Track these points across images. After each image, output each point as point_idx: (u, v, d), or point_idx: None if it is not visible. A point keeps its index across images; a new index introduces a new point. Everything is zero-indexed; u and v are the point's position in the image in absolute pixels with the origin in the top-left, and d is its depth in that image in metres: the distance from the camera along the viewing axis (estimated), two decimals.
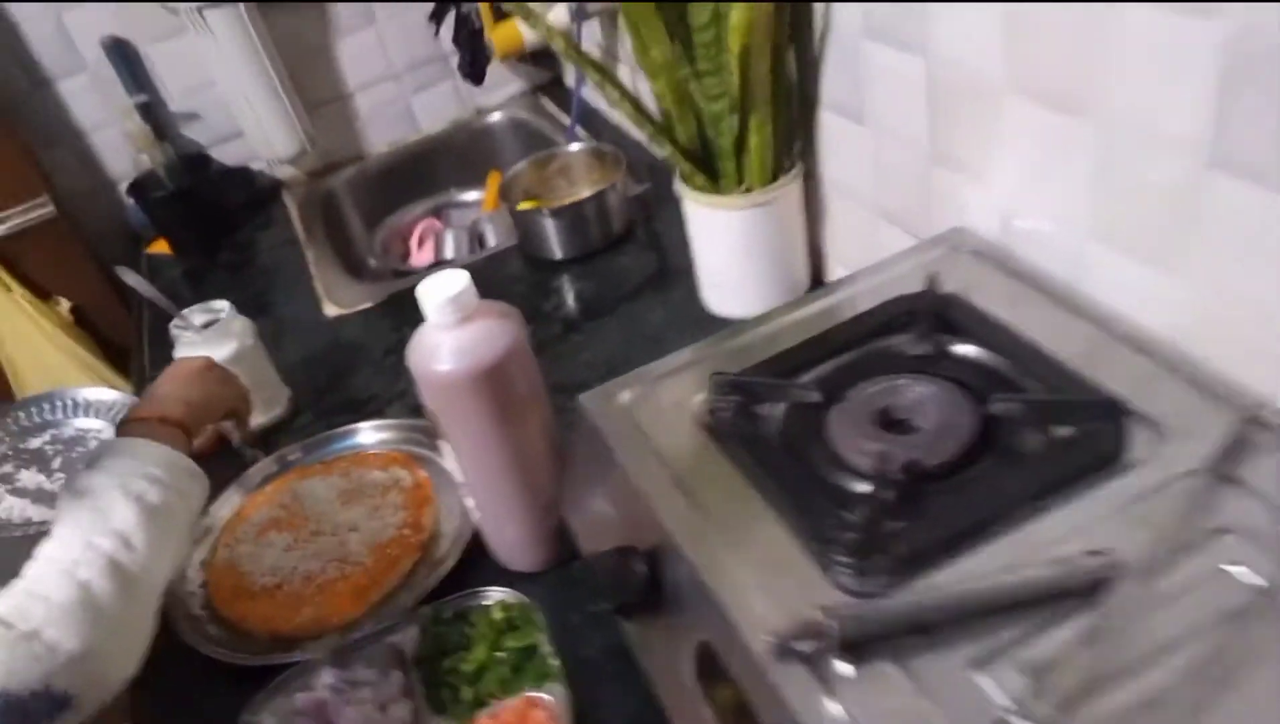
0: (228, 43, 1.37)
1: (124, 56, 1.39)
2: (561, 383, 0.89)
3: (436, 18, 1.47)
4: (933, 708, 0.43)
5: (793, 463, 0.58)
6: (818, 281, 0.99)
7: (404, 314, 0.68)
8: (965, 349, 0.62)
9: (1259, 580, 0.45)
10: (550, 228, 1.15)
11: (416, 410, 0.82)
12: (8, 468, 0.98)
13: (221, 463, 0.90)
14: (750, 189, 0.88)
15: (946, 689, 0.44)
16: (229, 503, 0.90)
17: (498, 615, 0.70)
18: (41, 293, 1.43)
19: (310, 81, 1.50)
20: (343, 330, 1.17)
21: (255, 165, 1.55)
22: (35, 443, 1.02)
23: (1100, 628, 0.44)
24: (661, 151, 0.91)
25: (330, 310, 1.21)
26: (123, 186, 1.47)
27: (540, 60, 1.61)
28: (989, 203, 0.71)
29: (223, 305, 0.97)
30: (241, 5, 1.35)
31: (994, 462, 0.55)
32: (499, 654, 0.68)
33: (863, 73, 0.79)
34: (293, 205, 1.50)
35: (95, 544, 0.60)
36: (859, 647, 0.46)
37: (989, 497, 0.52)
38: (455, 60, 1.53)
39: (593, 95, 1.43)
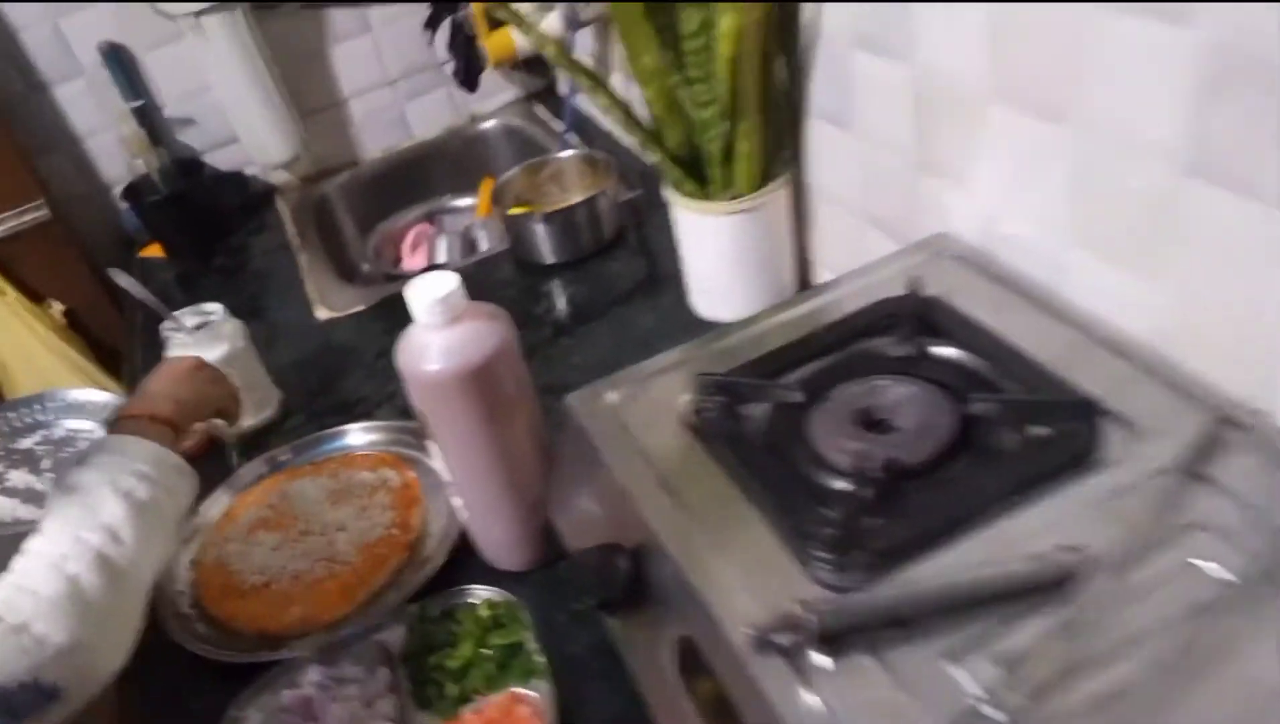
0: (223, 49, 1.38)
1: (120, 62, 1.40)
2: (551, 385, 0.90)
3: (432, 25, 1.49)
4: (908, 699, 0.44)
5: (775, 462, 0.58)
6: (805, 287, 1.00)
7: (395, 317, 0.68)
8: (946, 351, 0.63)
9: (1228, 575, 0.46)
10: (541, 232, 1.16)
11: (406, 412, 0.83)
12: None
13: (211, 463, 0.91)
14: (738, 195, 0.89)
15: (922, 680, 0.45)
16: (218, 503, 0.90)
17: (484, 613, 0.71)
18: (35, 296, 1.44)
19: (305, 87, 1.51)
20: (334, 333, 1.17)
21: (249, 170, 1.56)
22: (25, 443, 1.02)
23: (1072, 621, 0.45)
24: (651, 158, 0.92)
25: (322, 313, 1.21)
26: (117, 191, 1.47)
27: (534, 68, 1.62)
28: (972, 209, 0.72)
29: (214, 307, 0.98)
30: (238, 11, 1.36)
31: (972, 460, 0.56)
32: (485, 651, 0.68)
33: (850, 81, 0.80)
34: (286, 210, 1.51)
35: (84, 539, 0.61)
36: (837, 639, 0.46)
37: (966, 494, 0.53)
38: (449, 67, 1.55)
39: (586, 103, 1.44)
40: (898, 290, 0.67)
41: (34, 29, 1.37)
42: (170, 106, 1.47)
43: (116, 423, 0.73)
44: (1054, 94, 0.61)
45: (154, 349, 1.01)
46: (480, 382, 0.66)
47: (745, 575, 0.52)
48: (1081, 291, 0.64)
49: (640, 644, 0.63)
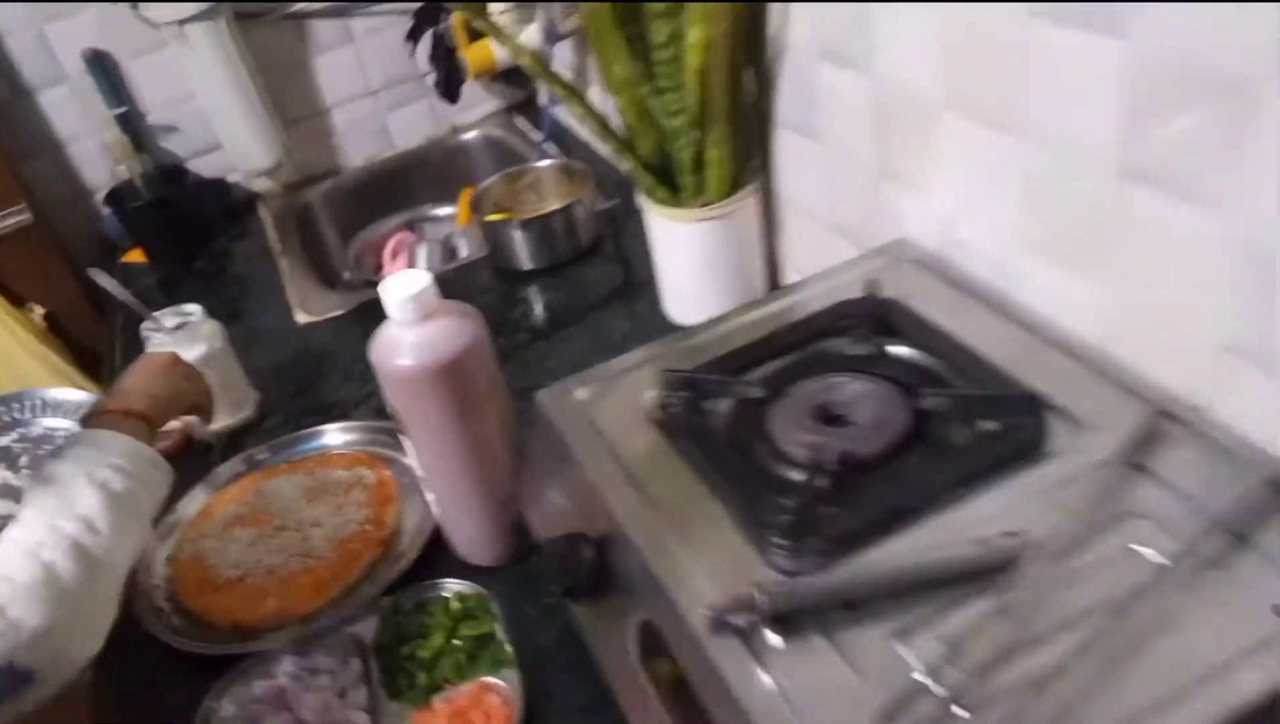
0: (207, 57, 1.40)
1: (104, 69, 1.41)
2: (527, 388, 0.90)
3: (413, 37, 1.51)
4: (856, 677, 0.46)
5: (736, 455, 0.60)
6: None
7: (373, 322, 0.70)
8: (901, 350, 0.66)
9: (1164, 560, 0.48)
10: (519, 239, 1.18)
11: (383, 413, 0.84)
12: None
13: (189, 462, 0.92)
14: (709, 203, 0.91)
15: (870, 659, 0.46)
16: (195, 500, 0.91)
17: (455, 605, 0.72)
18: (15, 299, 1.44)
19: (288, 96, 1.53)
20: (313, 337, 1.19)
21: (232, 177, 1.57)
22: (3, 441, 1.03)
23: (1014, 602, 0.47)
24: (625, 166, 0.94)
25: (301, 318, 1.23)
26: (99, 196, 1.48)
27: (515, 79, 1.65)
28: (929, 215, 0.75)
29: (194, 308, 0.99)
30: (221, 20, 1.38)
31: (924, 453, 0.58)
32: (455, 642, 0.70)
33: (814, 92, 0.83)
34: (268, 217, 1.53)
35: (59, 527, 0.62)
36: (790, 620, 0.48)
37: (917, 484, 0.55)
38: (430, 79, 1.57)
39: (565, 114, 1.47)
40: (857, 293, 0.69)
41: (19, 34, 1.39)
42: (154, 113, 1.49)
43: (93, 417, 0.74)
44: (1002, 103, 0.63)
45: (134, 351, 1.02)
46: (451, 377, 0.68)
47: (706, 562, 0.53)
48: (1032, 294, 0.67)
49: (605, 631, 0.64)
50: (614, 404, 0.67)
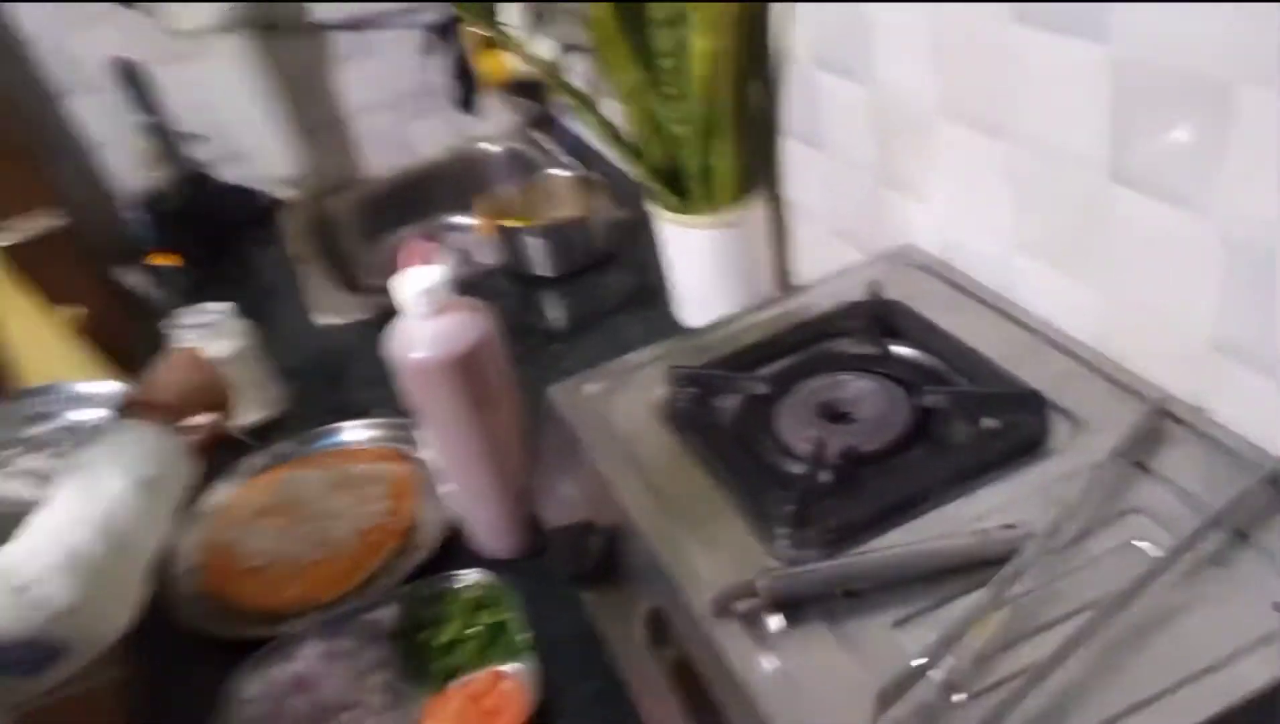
0: (232, 68, 1.43)
1: (133, 78, 1.45)
2: (541, 388, 0.94)
3: (429, 50, 1.54)
4: (856, 662, 0.47)
5: (743, 449, 0.62)
6: None
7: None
8: (904, 350, 0.68)
9: (1161, 554, 0.49)
10: (535, 246, 1.20)
11: (403, 412, 0.87)
12: (7, 453, 1.03)
13: (218, 455, 0.94)
14: (718, 209, 0.93)
15: (871, 645, 0.48)
16: (223, 492, 0.94)
17: (471, 595, 0.74)
18: (48, 300, 1.48)
19: (310, 107, 1.56)
20: (335, 340, 1.21)
21: (256, 185, 1.61)
22: (33, 431, 1.06)
23: (1013, 593, 0.48)
24: (635, 173, 0.96)
25: (324, 320, 1.26)
26: (127, 202, 1.52)
27: (533, 91, 1.68)
28: (930, 220, 0.77)
29: (221, 306, 1.02)
30: (246, 33, 1.42)
31: (926, 449, 0.60)
32: (471, 630, 0.72)
33: (818, 102, 0.85)
34: (291, 225, 1.56)
35: (87, 508, 0.64)
36: (793, 607, 0.50)
37: (918, 479, 0.57)
38: (447, 91, 1.60)
39: (581, 126, 1.49)
40: (861, 295, 0.71)
41: (51, 44, 1.43)
42: (181, 121, 1.52)
43: (122, 409, 0.77)
44: (993, 109, 0.65)
45: (162, 349, 1.05)
46: (465, 368, 0.70)
47: (711, 551, 0.55)
48: (1029, 295, 0.68)
49: (615, 618, 0.66)
50: (624, 399, 0.70)
